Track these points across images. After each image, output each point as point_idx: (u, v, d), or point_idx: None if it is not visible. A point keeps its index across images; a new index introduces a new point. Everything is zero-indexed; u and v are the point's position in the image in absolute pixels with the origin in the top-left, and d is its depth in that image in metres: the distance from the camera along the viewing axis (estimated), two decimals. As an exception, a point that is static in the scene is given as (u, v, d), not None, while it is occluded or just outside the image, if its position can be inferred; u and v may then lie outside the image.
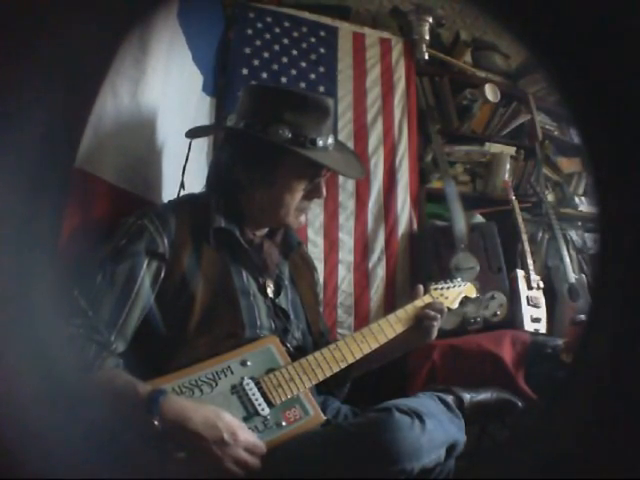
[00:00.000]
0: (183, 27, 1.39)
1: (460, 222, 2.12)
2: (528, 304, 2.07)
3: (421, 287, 1.30)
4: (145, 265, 0.99)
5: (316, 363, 1.04)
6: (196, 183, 1.29)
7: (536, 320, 2.05)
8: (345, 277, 2.09)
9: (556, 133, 2.74)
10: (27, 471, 0.48)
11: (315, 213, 2.06)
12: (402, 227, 2.21)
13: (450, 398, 1.11)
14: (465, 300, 1.40)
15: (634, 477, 0.43)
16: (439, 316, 1.23)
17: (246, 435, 0.88)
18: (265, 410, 0.95)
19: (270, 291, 1.13)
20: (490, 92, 2.43)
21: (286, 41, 2.16)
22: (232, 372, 0.98)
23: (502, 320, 2.02)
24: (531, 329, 2.01)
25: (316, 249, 2.04)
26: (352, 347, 1.11)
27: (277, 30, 2.16)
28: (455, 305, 1.36)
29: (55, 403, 0.52)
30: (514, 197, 2.31)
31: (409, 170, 2.26)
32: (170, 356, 0.97)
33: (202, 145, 1.73)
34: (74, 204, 0.97)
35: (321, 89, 2.15)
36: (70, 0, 0.46)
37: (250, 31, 2.11)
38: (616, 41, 0.41)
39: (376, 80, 2.29)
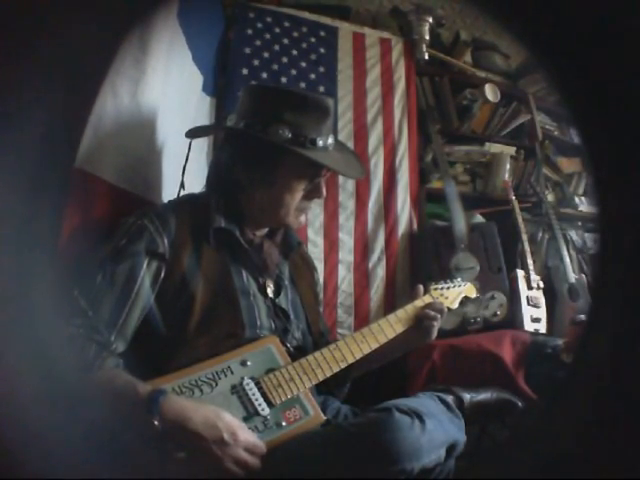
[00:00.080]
0: (183, 27, 1.39)
1: (460, 222, 2.12)
2: (528, 304, 2.07)
3: (421, 287, 1.30)
4: (145, 265, 0.99)
5: (316, 363, 1.04)
6: (196, 183, 1.29)
7: (536, 320, 2.05)
8: (345, 277, 2.09)
9: (556, 133, 2.74)
10: (27, 471, 0.48)
11: (315, 213, 2.06)
12: (402, 227, 2.21)
13: (450, 398, 1.11)
14: (465, 300, 1.40)
15: (634, 477, 0.43)
16: (439, 316, 1.23)
17: (246, 435, 0.88)
18: (265, 410, 0.95)
19: (270, 291, 1.13)
20: (490, 92, 2.43)
21: (286, 41, 2.16)
22: (232, 372, 0.98)
23: (502, 320, 2.02)
24: (531, 329, 2.01)
25: (316, 249, 2.04)
26: (352, 347, 1.11)
27: (277, 30, 2.16)
28: (455, 305, 1.36)
29: (55, 403, 0.52)
30: (514, 197, 2.31)
31: (409, 170, 2.26)
32: (170, 356, 0.97)
33: (202, 145, 1.73)
34: (74, 204, 0.97)
35: (321, 89, 2.15)
36: (70, 0, 0.46)
37: (250, 31, 2.11)
38: (616, 41, 0.41)
39: (376, 80, 2.29)
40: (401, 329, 1.20)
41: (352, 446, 0.89)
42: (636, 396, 0.43)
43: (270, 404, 0.96)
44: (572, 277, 2.21)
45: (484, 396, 1.36)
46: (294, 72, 2.14)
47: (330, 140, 1.12)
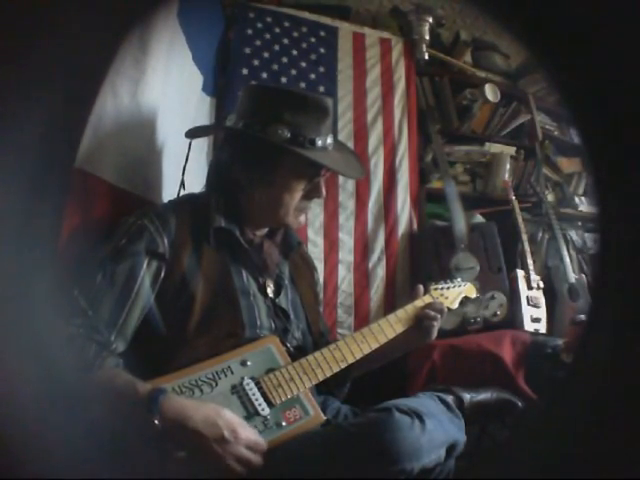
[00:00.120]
0: (183, 27, 1.39)
1: (460, 222, 2.12)
2: (528, 304, 2.07)
3: (421, 287, 1.30)
4: (145, 265, 0.99)
5: (316, 363, 1.04)
6: (196, 183, 1.29)
7: (536, 320, 2.05)
8: (345, 277, 2.09)
9: (556, 133, 2.74)
10: (27, 471, 0.48)
11: (315, 213, 2.06)
12: (402, 227, 2.21)
13: (450, 398, 1.11)
14: (465, 300, 1.40)
15: (634, 477, 0.43)
16: (439, 316, 1.23)
17: (247, 432, 0.88)
18: (265, 410, 0.95)
19: (270, 291, 1.13)
20: (490, 92, 2.43)
21: (286, 41, 2.16)
22: (232, 372, 0.98)
23: (502, 320, 2.02)
24: (531, 329, 2.01)
25: (316, 249, 2.04)
26: (352, 347, 1.11)
27: (277, 30, 2.16)
28: (455, 305, 1.36)
29: (55, 403, 0.52)
30: (514, 197, 2.31)
31: (409, 170, 2.26)
32: (170, 356, 0.97)
33: (202, 145, 1.73)
34: (74, 204, 0.97)
35: (321, 89, 2.15)
36: (70, 0, 0.46)
37: (250, 31, 2.11)
38: (616, 41, 0.41)
39: (376, 80, 2.29)
40: (401, 329, 1.20)
41: (352, 446, 0.89)
42: (636, 396, 0.43)
43: (270, 404, 0.96)
44: (572, 277, 2.21)
45: (484, 396, 1.36)
46: (294, 72, 2.14)
47: (329, 140, 1.12)
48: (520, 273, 2.12)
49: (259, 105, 1.10)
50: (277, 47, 2.14)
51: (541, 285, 2.14)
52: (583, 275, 2.27)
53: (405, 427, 0.89)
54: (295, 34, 2.19)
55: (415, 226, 2.24)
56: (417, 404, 0.96)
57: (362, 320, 2.03)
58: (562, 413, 0.50)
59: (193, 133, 1.23)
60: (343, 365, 1.08)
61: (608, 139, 0.43)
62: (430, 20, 2.36)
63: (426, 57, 2.38)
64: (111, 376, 0.89)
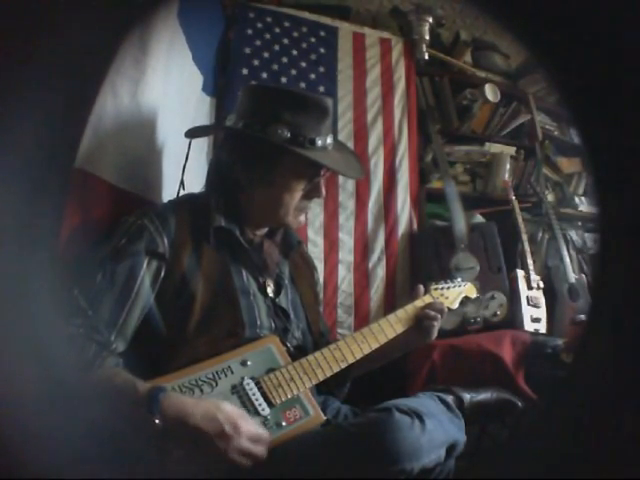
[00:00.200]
0: (183, 27, 1.39)
1: (460, 222, 2.12)
2: (528, 304, 2.07)
3: (421, 287, 1.30)
4: (145, 265, 0.99)
5: (316, 363, 1.04)
6: (196, 183, 1.29)
7: (536, 320, 2.05)
8: (345, 277, 2.09)
9: (556, 133, 2.74)
10: (27, 471, 0.48)
11: (315, 213, 2.06)
12: (402, 227, 2.21)
13: (450, 398, 1.11)
14: (465, 300, 1.40)
15: (634, 477, 0.43)
16: (439, 316, 1.23)
17: (248, 425, 0.87)
18: (265, 410, 0.95)
19: (270, 290, 1.13)
20: (490, 92, 2.43)
21: (286, 41, 2.16)
22: (232, 372, 0.98)
23: (502, 320, 2.02)
24: (531, 329, 2.01)
25: (316, 249, 2.04)
26: (352, 347, 1.11)
27: (277, 30, 2.16)
28: (455, 305, 1.36)
29: (55, 403, 0.52)
30: (514, 197, 2.31)
31: (409, 170, 2.26)
32: (170, 356, 0.97)
33: (202, 145, 1.73)
34: (74, 204, 0.97)
35: (321, 89, 2.15)
36: (70, 0, 0.46)
37: (250, 31, 2.11)
38: (616, 41, 0.41)
39: (376, 80, 2.29)
40: (401, 329, 1.20)
41: (352, 446, 0.89)
42: (636, 396, 0.43)
43: (270, 404, 0.96)
44: (572, 277, 2.21)
45: (484, 396, 1.36)
46: (294, 72, 2.14)
47: (329, 140, 1.12)
48: (520, 273, 2.12)
49: (259, 105, 1.10)
50: (277, 47, 2.14)
51: (541, 285, 2.14)
52: (583, 275, 2.27)
53: (405, 427, 0.89)
54: (295, 34, 2.19)
55: (415, 226, 2.24)
56: (417, 404, 0.96)
57: (362, 320, 2.03)
58: (562, 413, 0.50)
59: (193, 133, 1.23)
60: (343, 365, 1.08)
61: (608, 139, 0.43)
62: (430, 20, 2.36)
63: (426, 57, 2.38)
64: (111, 375, 0.89)
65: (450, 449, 0.97)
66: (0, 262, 0.48)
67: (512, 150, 2.56)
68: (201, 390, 0.94)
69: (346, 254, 2.10)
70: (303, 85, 2.14)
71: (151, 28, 1.15)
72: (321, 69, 2.19)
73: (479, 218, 2.33)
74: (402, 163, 2.26)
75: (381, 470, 0.87)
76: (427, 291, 1.31)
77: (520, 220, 2.24)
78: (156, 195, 1.29)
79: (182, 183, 1.25)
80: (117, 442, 0.67)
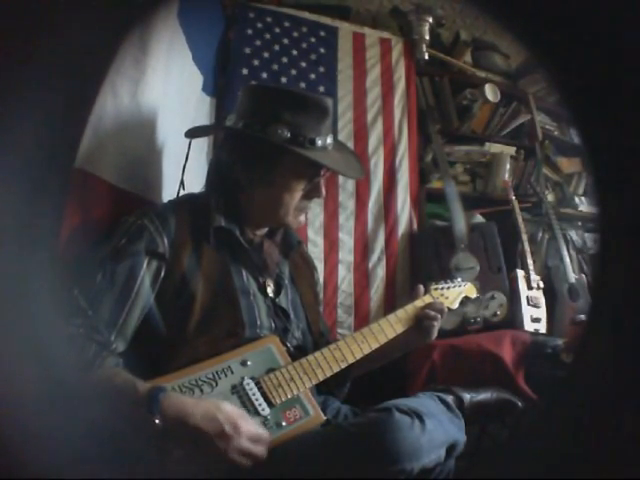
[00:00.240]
0: (183, 27, 1.39)
1: (460, 222, 2.12)
2: (528, 304, 2.07)
3: (421, 287, 1.30)
4: (145, 265, 0.99)
5: (316, 363, 1.04)
6: (196, 182, 1.29)
7: (536, 320, 2.05)
8: (345, 277, 2.09)
9: (556, 133, 2.74)
10: (27, 471, 0.48)
11: (315, 213, 2.06)
12: (402, 227, 2.21)
13: (450, 398, 1.11)
14: (465, 300, 1.40)
15: (634, 477, 0.43)
16: (439, 316, 1.23)
17: (248, 425, 0.87)
18: (265, 410, 0.95)
19: (270, 290, 1.13)
20: (490, 92, 2.43)
21: (286, 41, 2.16)
22: (232, 372, 0.98)
23: (502, 320, 2.02)
24: (531, 329, 2.01)
25: (316, 249, 2.04)
26: (352, 347, 1.11)
27: (277, 30, 2.16)
28: (455, 305, 1.36)
29: (55, 403, 0.52)
30: (514, 197, 2.31)
31: (409, 170, 2.26)
32: (170, 356, 0.97)
33: (202, 145, 1.73)
34: (74, 204, 0.97)
35: (321, 89, 2.15)
36: (70, 0, 0.46)
37: (250, 31, 2.11)
38: (616, 41, 0.41)
39: (376, 80, 2.29)
40: (401, 329, 1.20)
41: (352, 446, 0.89)
42: (636, 396, 0.43)
43: (270, 404, 0.96)
44: (572, 277, 2.21)
45: (484, 396, 1.36)
46: (294, 72, 2.14)
47: (329, 140, 1.12)
48: (520, 273, 2.12)
49: (259, 105, 1.10)
50: (277, 47, 2.14)
51: (541, 285, 2.14)
52: (583, 275, 2.28)
53: (405, 427, 0.89)
54: (295, 34, 2.19)
55: (415, 226, 2.24)
56: (417, 404, 0.96)
57: (362, 320, 2.03)
58: (562, 413, 0.50)
59: (193, 133, 1.23)
60: (343, 365, 1.08)
61: (608, 139, 0.43)
62: (430, 20, 2.36)
63: (426, 57, 2.38)
64: (111, 375, 0.89)
65: (450, 449, 0.97)
66: (0, 262, 0.48)
67: (512, 150, 2.56)
68: (201, 390, 0.94)
69: (346, 254, 2.10)
70: (303, 85, 2.14)
71: (151, 28, 1.15)
72: (321, 69, 2.19)
73: (479, 218, 2.33)
74: (402, 163, 2.26)
75: (381, 470, 0.87)
76: (427, 291, 1.31)
77: (520, 220, 2.24)
78: (156, 195, 1.29)
79: (182, 183, 1.25)
80: (117, 442, 0.67)
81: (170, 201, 1.17)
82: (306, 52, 2.18)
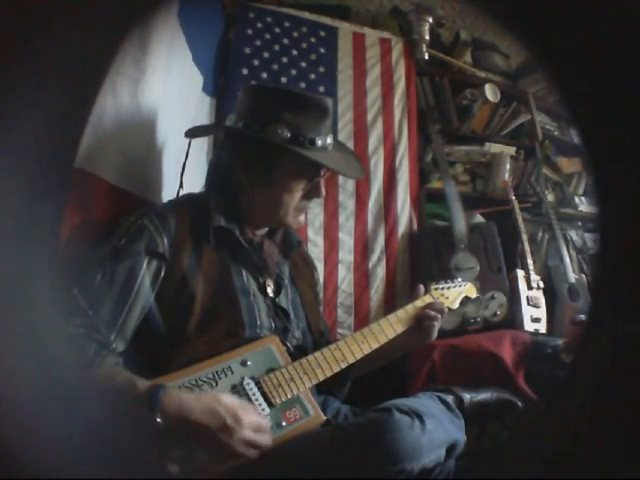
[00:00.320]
0: (183, 27, 1.39)
1: (460, 222, 2.12)
2: (528, 304, 2.07)
3: (422, 287, 1.30)
4: (145, 264, 0.99)
5: (316, 363, 1.04)
6: (196, 182, 1.29)
7: (536, 320, 2.05)
8: (345, 277, 2.09)
9: (556, 133, 2.74)
10: (27, 471, 0.48)
11: (315, 213, 2.06)
12: (402, 227, 2.21)
13: (450, 398, 1.11)
14: (465, 300, 1.40)
15: (634, 477, 0.43)
16: (439, 316, 1.23)
17: (249, 415, 0.87)
18: (265, 410, 0.95)
19: (270, 290, 1.13)
20: (490, 92, 2.43)
21: (286, 41, 2.16)
22: (232, 372, 0.98)
23: (502, 320, 2.02)
24: (531, 329, 2.01)
25: (316, 249, 2.04)
26: (352, 347, 1.11)
27: (277, 30, 2.16)
28: (456, 305, 1.36)
29: (55, 402, 0.52)
30: (514, 197, 2.31)
31: (409, 170, 2.27)
32: (170, 356, 0.97)
33: (202, 145, 1.73)
34: (74, 204, 0.97)
35: (321, 89, 2.15)
36: (70, 0, 0.46)
37: (250, 31, 2.11)
38: (616, 41, 0.41)
39: (376, 80, 2.29)
40: (401, 329, 1.20)
41: (352, 446, 0.89)
42: (636, 396, 0.43)
43: (270, 404, 0.96)
44: (572, 277, 2.21)
45: (484, 396, 1.37)
46: (294, 72, 2.14)
47: (329, 140, 1.12)
48: (520, 273, 2.12)
49: (259, 105, 1.10)
50: (277, 47, 2.14)
51: (541, 285, 2.14)
52: (583, 275, 2.28)
53: (405, 427, 0.89)
54: (295, 34, 2.19)
55: (415, 226, 2.24)
56: (417, 404, 0.96)
57: (362, 320, 2.03)
58: (562, 413, 0.50)
59: (193, 133, 1.23)
60: (343, 365, 1.08)
61: (608, 139, 0.43)
62: (430, 20, 2.36)
63: (426, 57, 2.38)
64: (110, 374, 0.89)
65: (450, 449, 0.97)
66: (0, 262, 0.48)
67: (512, 150, 2.56)
68: (201, 390, 0.94)
69: (346, 254, 2.10)
70: (303, 85, 2.14)
71: (151, 28, 1.15)
72: (321, 69, 2.19)
73: (479, 218, 2.33)
74: (402, 163, 2.26)
75: (381, 470, 0.87)
76: (427, 291, 1.31)
77: (520, 220, 2.24)
78: (156, 195, 1.29)
79: (181, 183, 1.25)
80: (117, 442, 0.67)
81: (170, 201, 1.17)
82: (306, 52, 2.18)
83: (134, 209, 1.06)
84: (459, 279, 1.41)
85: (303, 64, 2.17)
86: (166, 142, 1.30)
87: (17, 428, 0.48)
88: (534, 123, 2.59)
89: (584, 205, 2.61)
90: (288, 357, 1.04)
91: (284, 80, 2.11)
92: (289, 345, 1.09)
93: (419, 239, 2.22)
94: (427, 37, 2.37)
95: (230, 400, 0.88)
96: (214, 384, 0.95)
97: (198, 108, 1.71)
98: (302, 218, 1.17)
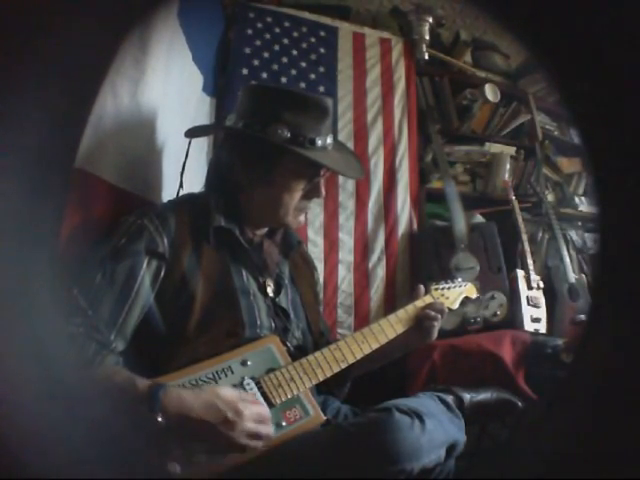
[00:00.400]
0: (183, 27, 1.39)
1: (460, 222, 2.12)
2: (528, 304, 2.07)
3: (422, 287, 1.30)
4: (145, 264, 0.99)
5: (316, 363, 1.04)
6: (196, 182, 1.29)
7: (536, 320, 2.05)
8: (345, 277, 2.09)
9: (556, 133, 2.74)
10: (27, 471, 0.48)
11: (315, 213, 2.06)
12: (402, 227, 2.21)
13: (450, 398, 1.11)
14: (465, 300, 1.40)
15: (634, 477, 0.43)
16: (440, 316, 1.23)
17: (249, 407, 0.88)
18: (265, 410, 0.96)
19: (270, 290, 1.13)
20: (490, 92, 2.43)
21: (286, 41, 2.16)
22: (232, 372, 0.98)
23: (502, 320, 2.02)
24: (531, 329, 2.01)
25: (316, 249, 2.04)
26: (352, 347, 1.11)
27: (277, 30, 2.16)
28: (456, 305, 1.36)
29: (55, 402, 0.52)
30: (514, 197, 2.31)
31: (409, 170, 2.27)
32: (170, 356, 0.97)
33: (202, 145, 1.73)
34: (74, 204, 0.97)
35: (321, 89, 2.15)
36: (70, 0, 0.46)
37: (250, 31, 2.11)
38: (616, 41, 0.41)
39: (376, 80, 2.29)
40: (402, 329, 1.20)
41: (352, 446, 0.89)
42: (636, 396, 0.43)
43: (270, 404, 0.96)
44: (572, 277, 2.21)
45: (484, 396, 1.36)
46: (294, 72, 2.14)
47: (329, 140, 1.12)
48: (520, 273, 2.12)
49: (259, 105, 1.10)
50: (277, 47, 2.14)
51: (541, 285, 2.14)
52: (583, 275, 2.28)
53: (405, 427, 0.89)
54: (295, 34, 2.19)
55: (415, 226, 2.24)
56: (417, 404, 0.96)
57: (362, 320, 2.03)
58: (562, 413, 0.50)
59: (193, 133, 1.23)
60: (343, 365, 1.08)
61: (608, 139, 0.43)
62: (430, 20, 2.36)
63: (426, 57, 2.38)
64: (110, 374, 0.89)
65: (450, 449, 0.98)
66: (0, 262, 0.48)
67: (512, 150, 2.56)
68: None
69: (346, 254, 2.10)
70: (303, 85, 2.14)
71: (151, 28, 1.15)
72: (321, 69, 2.19)
73: (479, 218, 2.33)
74: (402, 163, 2.26)
75: (381, 470, 0.87)
76: (427, 291, 1.31)
77: (520, 220, 2.24)
78: (156, 195, 1.29)
79: (181, 183, 1.25)
80: (117, 441, 0.67)
81: (170, 201, 1.17)
82: (306, 52, 2.18)
83: (134, 209, 1.06)
84: (459, 279, 1.41)
85: (303, 64, 2.17)
86: (166, 142, 1.30)
87: (17, 428, 0.47)
88: (534, 123, 2.59)
89: (584, 205, 2.61)
90: (288, 357, 1.04)
91: (284, 80, 2.11)
92: (289, 345, 1.09)
93: (419, 239, 2.22)
94: (427, 37, 2.37)
95: (229, 393, 0.88)
96: (214, 384, 0.95)
97: (198, 108, 1.71)
98: (302, 218, 1.17)
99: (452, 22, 2.61)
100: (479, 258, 2.09)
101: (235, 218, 1.11)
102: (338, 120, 2.15)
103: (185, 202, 1.13)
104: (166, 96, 1.29)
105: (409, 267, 2.19)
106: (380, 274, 2.13)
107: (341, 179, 2.13)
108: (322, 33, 2.24)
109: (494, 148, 2.53)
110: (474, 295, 1.41)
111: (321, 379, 1.04)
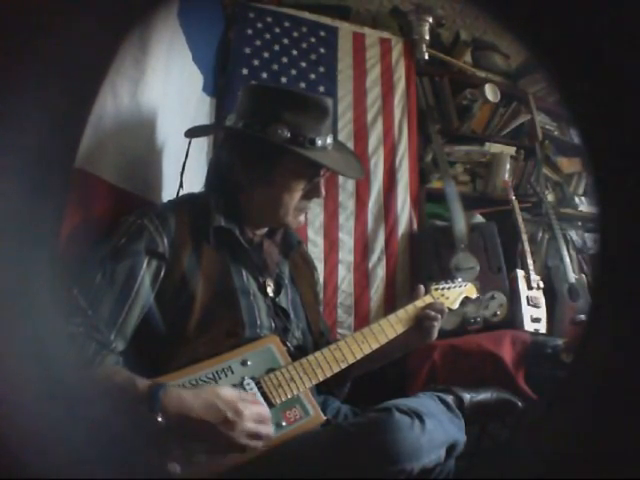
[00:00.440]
0: (183, 27, 1.39)
1: (460, 222, 2.12)
2: (528, 304, 2.07)
3: (422, 287, 1.30)
4: (145, 264, 0.99)
5: (316, 363, 1.04)
6: (196, 182, 1.29)
7: (536, 320, 2.05)
8: (345, 277, 2.09)
9: (556, 133, 2.74)
10: (27, 471, 0.48)
11: (315, 213, 2.06)
12: (402, 227, 2.21)
13: (450, 398, 1.11)
14: (465, 300, 1.40)
15: (634, 477, 0.43)
16: (440, 316, 1.23)
17: (249, 407, 0.88)
18: (265, 410, 0.96)
19: (270, 290, 1.13)
20: (490, 92, 2.43)
21: (286, 41, 2.16)
22: (232, 372, 0.98)
23: (502, 320, 2.02)
24: (531, 329, 2.01)
25: (316, 249, 2.04)
26: (352, 347, 1.11)
27: (277, 30, 2.16)
28: (456, 305, 1.36)
29: (55, 402, 0.52)
30: (514, 197, 2.31)
31: (409, 170, 2.27)
32: (170, 356, 0.97)
33: (202, 145, 1.73)
34: (74, 204, 0.97)
35: (321, 89, 2.16)
36: (70, 0, 0.46)
37: (250, 31, 2.11)
38: (616, 41, 0.41)
39: (376, 80, 2.29)
40: (402, 329, 1.20)
41: (352, 446, 0.89)
42: (636, 396, 0.43)
43: (270, 404, 0.96)
44: (572, 277, 2.21)
45: (484, 396, 1.36)
46: (294, 72, 2.14)
47: (329, 140, 1.12)
48: (520, 273, 2.12)
49: (259, 105, 1.10)
50: (277, 47, 2.14)
51: (541, 285, 2.14)
52: (583, 275, 2.28)
53: (405, 427, 0.89)
54: (295, 34, 2.19)
55: (415, 226, 2.24)
56: (417, 404, 0.96)
57: (362, 320, 2.03)
58: (562, 413, 0.50)
59: (193, 133, 1.23)
60: (343, 365, 1.08)
61: (608, 139, 0.43)
62: (430, 20, 2.36)
63: (426, 57, 2.38)
64: (110, 373, 0.89)
65: (450, 449, 0.98)
66: (0, 262, 0.48)
67: (512, 150, 2.57)
68: (201, 390, 0.94)
69: (346, 254, 2.10)
70: (303, 85, 2.14)
71: (151, 28, 1.15)
72: (321, 69, 2.19)
73: (479, 218, 2.33)
74: (402, 163, 2.26)
75: (381, 470, 0.87)
76: (427, 291, 1.31)
77: (520, 220, 2.24)
78: (156, 195, 1.29)
79: (181, 183, 1.25)
80: (117, 441, 0.67)
81: (170, 201, 1.17)
82: (306, 52, 2.18)
83: (134, 209, 1.06)
84: (459, 279, 1.41)
85: (303, 64, 2.17)
86: (166, 142, 1.30)
87: (17, 428, 0.47)
88: (534, 123, 2.59)
89: (584, 205, 2.61)
90: (288, 357, 1.04)
91: (284, 80, 2.11)
92: (289, 345, 1.09)
93: (419, 239, 2.22)
94: (427, 37, 2.37)
95: (229, 393, 0.88)
96: (214, 384, 0.95)
97: (198, 108, 1.71)
98: (302, 218, 1.17)
99: (452, 22, 2.61)
100: (479, 258, 2.09)
101: (235, 218, 1.11)
102: (338, 120, 2.15)
103: (185, 202, 1.13)
104: (166, 96, 1.29)
105: (409, 267, 2.19)
106: (380, 274, 2.13)
107: (341, 179, 2.13)
108: (322, 33, 2.24)
109: (494, 148, 2.53)
110: (474, 295, 1.41)
111: (321, 379, 1.04)
